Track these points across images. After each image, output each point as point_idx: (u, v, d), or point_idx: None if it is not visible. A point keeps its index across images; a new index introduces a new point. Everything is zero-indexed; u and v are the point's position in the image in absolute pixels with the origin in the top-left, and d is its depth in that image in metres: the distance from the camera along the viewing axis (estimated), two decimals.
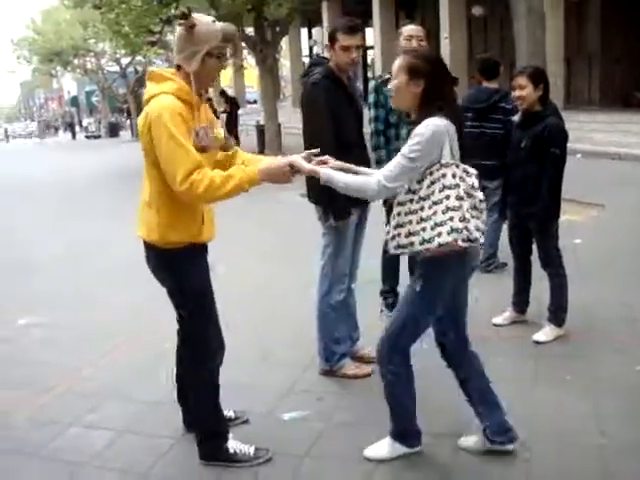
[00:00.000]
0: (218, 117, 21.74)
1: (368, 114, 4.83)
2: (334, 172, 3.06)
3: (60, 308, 6.05)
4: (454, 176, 2.93)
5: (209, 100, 3.39)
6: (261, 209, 10.34)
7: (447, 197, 2.91)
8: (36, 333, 5.44)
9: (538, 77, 4.52)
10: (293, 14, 17.95)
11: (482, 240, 3.02)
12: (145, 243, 3.23)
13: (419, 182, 2.97)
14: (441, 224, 2.90)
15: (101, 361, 4.73)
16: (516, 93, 4.55)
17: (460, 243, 2.91)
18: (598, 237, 7.47)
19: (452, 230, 2.89)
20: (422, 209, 2.96)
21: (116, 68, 38.54)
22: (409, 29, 4.76)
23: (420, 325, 3.18)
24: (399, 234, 3.03)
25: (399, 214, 3.04)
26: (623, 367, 4.21)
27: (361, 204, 4.17)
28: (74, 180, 16.63)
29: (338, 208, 4.01)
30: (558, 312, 4.71)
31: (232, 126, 21.58)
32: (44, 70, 45.82)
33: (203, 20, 3.08)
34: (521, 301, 5.02)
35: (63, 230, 9.91)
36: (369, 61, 30.73)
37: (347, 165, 3.18)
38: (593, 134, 15.28)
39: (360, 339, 4.52)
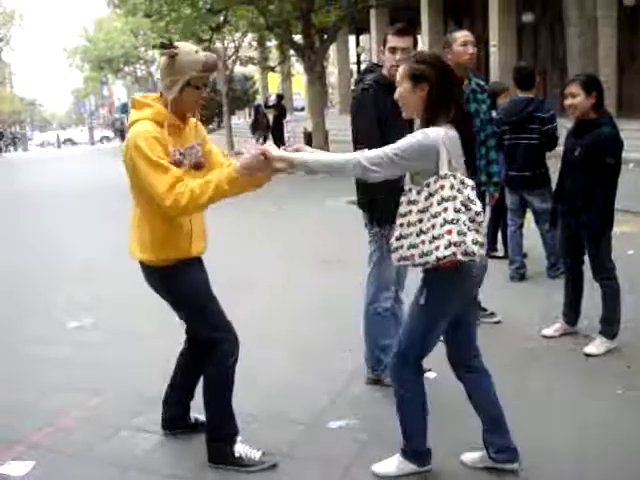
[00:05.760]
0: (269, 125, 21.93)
1: None
2: (306, 154, 3.04)
3: (107, 312, 6.13)
4: (452, 188, 2.88)
5: (202, 119, 3.43)
6: (309, 215, 10.38)
7: (445, 209, 2.86)
8: (85, 336, 5.52)
9: (590, 85, 4.44)
10: (341, 21, 17.98)
11: (482, 253, 2.93)
12: (140, 263, 3.36)
13: (418, 193, 2.93)
14: (439, 237, 2.85)
15: (150, 364, 4.78)
16: (567, 101, 4.47)
17: (459, 257, 2.86)
18: None
19: (450, 244, 2.83)
20: (421, 221, 2.92)
21: None
22: (464, 34, 4.65)
23: (427, 339, 3.12)
24: (402, 246, 2.99)
25: (401, 225, 3.00)
26: None
27: None
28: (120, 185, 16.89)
29: (381, 214, 3.97)
30: (610, 324, 4.61)
31: (278, 132, 21.76)
32: (95, 77, 46.74)
33: (185, 49, 3.12)
34: (572, 312, 4.92)
35: (109, 234, 10.02)
36: None
37: (318, 151, 3.12)
38: None
39: None
